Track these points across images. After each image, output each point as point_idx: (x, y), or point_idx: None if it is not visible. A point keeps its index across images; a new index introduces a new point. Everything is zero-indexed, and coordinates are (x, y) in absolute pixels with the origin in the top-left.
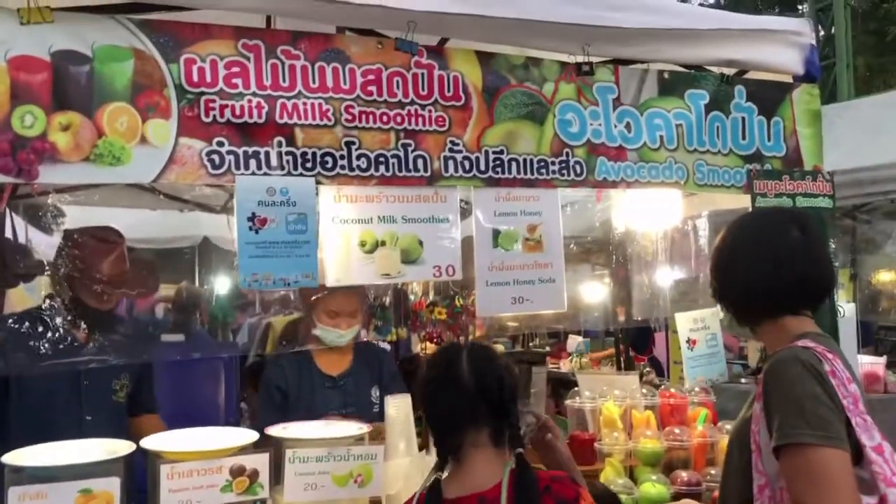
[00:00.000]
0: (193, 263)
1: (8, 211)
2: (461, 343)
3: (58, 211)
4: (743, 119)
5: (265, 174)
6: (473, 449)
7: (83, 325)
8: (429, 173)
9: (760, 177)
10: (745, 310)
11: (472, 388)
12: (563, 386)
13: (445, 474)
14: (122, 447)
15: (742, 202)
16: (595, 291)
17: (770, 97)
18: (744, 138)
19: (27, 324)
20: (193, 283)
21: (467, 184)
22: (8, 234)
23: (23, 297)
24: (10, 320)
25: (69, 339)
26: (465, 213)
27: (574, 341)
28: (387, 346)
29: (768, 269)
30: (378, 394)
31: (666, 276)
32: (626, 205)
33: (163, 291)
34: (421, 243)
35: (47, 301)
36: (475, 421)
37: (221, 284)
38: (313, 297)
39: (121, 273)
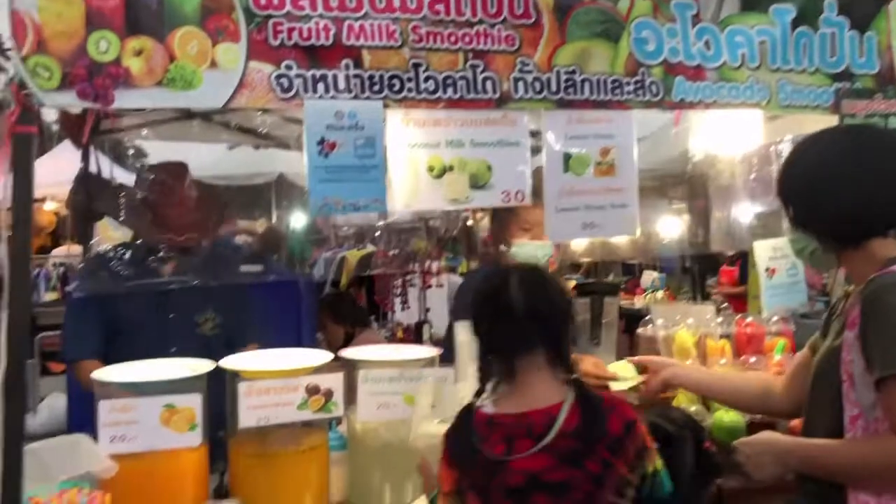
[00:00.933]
0: (270, 200)
1: (92, 148)
2: (511, 267)
3: (138, 148)
4: (832, 34)
5: (333, 98)
6: (528, 372)
7: (163, 254)
8: (497, 95)
9: (850, 96)
10: (833, 235)
11: (523, 313)
12: (636, 322)
13: (484, 398)
14: (203, 366)
15: (828, 124)
16: (671, 225)
17: (863, 10)
18: (833, 55)
19: (112, 253)
20: (270, 219)
21: (537, 106)
22: (93, 169)
23: (108, 231)
24: (98, 251)
25: (152, 265)
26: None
27: (649, 277)
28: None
29: (863, 189)
30: None
31: (746, 206)
32: (704, 129)
33: (242, 225)
34: (490, 168)
35: (130, 233)
36: (528, 346)
37: (297, 220)
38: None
39: (191, 206)
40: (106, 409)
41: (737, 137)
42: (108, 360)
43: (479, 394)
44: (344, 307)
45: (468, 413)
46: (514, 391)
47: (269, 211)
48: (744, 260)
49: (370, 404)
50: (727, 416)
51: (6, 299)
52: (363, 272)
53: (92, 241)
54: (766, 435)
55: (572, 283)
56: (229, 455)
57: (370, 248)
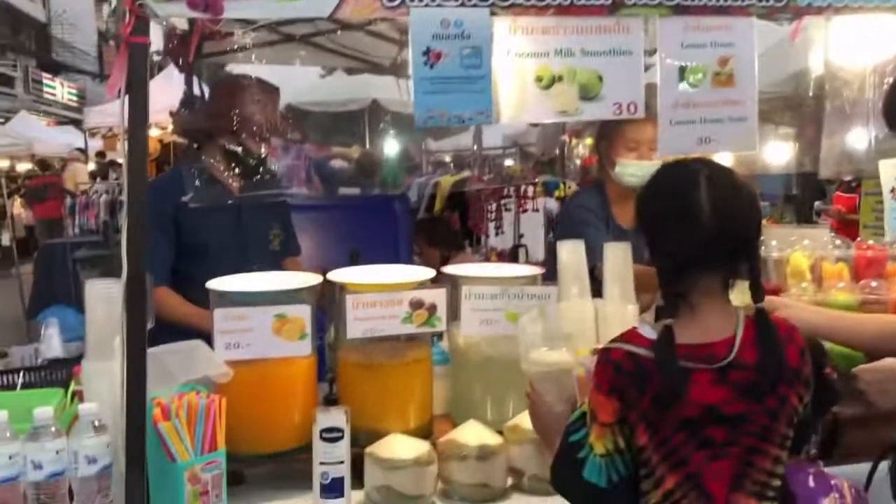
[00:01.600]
0: (363, 126)
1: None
2: (696, 163)
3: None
4: None
5: (439, 6)
6: (706, 295)
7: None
8: (610, 1)
9: None
10: None
11: (711, 224)
12: None
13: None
14: (311, 278)
15: None
16: (777, 151)
17: None
18: None
19: (185, 172)
20: (364, 145)
21: (652, 12)
22: (196, 92)
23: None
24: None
25: (249, 176)
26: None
27: None
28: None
29: None
30: None
31: (866, 128)
32: (827, 40)
33: (337, 151)
34: (601, 78)
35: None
36: (712, 263)
37: (390, 147)
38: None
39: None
40: (221, 318)
41: (864, 48)
42: (189, 280)
43: (670, 313)
44: (438, 231)
45: (669, 339)
46: (692, 316)
47: (363, 137)
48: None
49: (473, 320)
50: (842, 296)
51: (126, 210)
52: (457, 197)
53: None
54: (889, 361)
55: None
56: (338, 365)
57: (465, 173)
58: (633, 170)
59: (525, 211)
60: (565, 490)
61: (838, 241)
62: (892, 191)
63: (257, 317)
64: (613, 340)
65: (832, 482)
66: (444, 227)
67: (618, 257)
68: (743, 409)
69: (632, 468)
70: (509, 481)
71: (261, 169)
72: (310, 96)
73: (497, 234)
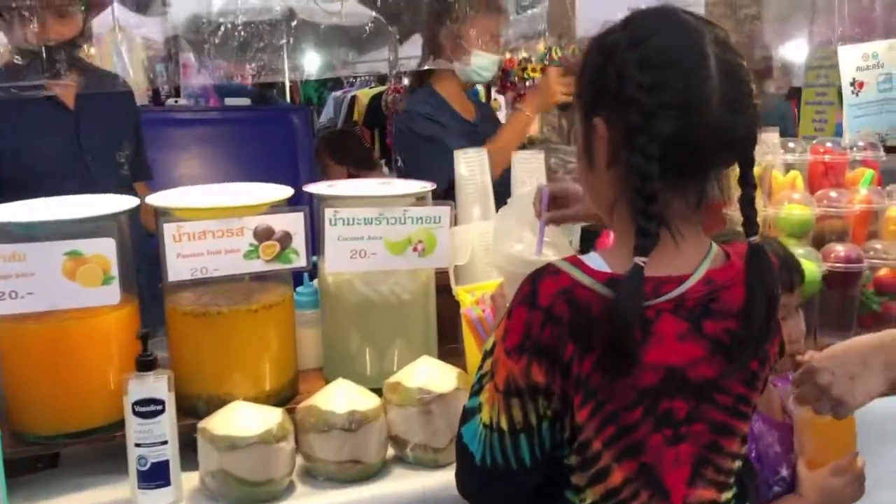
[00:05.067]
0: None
1: None
2: (693, 19)
3: None
4: None
5: None
6: (681, 219)
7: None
8: None
9: None
10: None
11: (719, 118)
12: None
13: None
14: (119, 202)
15: None
16: None
17: None
18: None
19: None
20: (283, 59)
21: None
22: None
23: None
24: None
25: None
26: None
27: None
28: None
29: None
30: None
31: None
32: None
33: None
34: None
35: None
36: (701, 172)
37: (310, 61)
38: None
39: None
40: None
41: None
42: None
43: (643, 248)
44: (346, 145)
45: (638, 280)
46: (663, 249)
47: (282, 51)
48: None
49: (341, 252)
50: (797, 210)
51: None
52: (376, 114)
53: None
54: (841, 344)
55: None
56: (166, 315)
57: (381, 87)
58: (487, 63)
59: None
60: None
61: (791, 144)
62: (853, 84)
63: (41, 255)
64: (539, 271)
65: None
66: (352, 141)
67: (473, 167)
68: (714, 374)
69: (531, 455)
70: (390, 452)
71: (62, 57)
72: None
73: None
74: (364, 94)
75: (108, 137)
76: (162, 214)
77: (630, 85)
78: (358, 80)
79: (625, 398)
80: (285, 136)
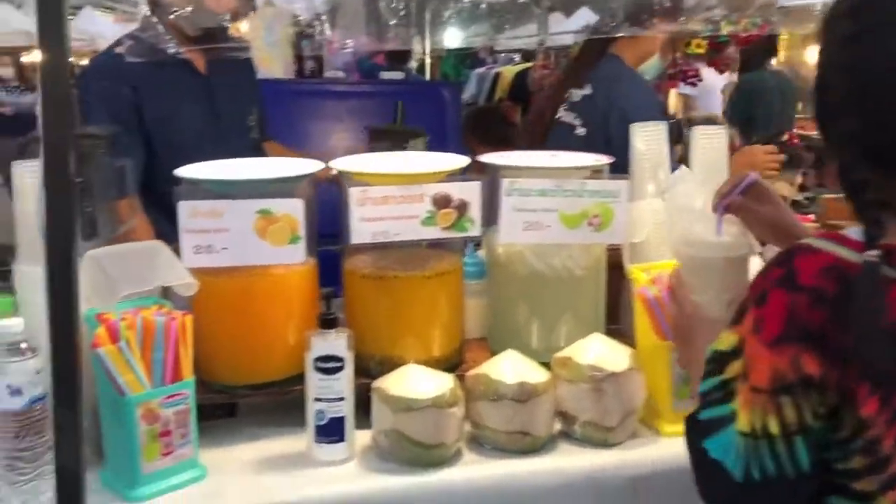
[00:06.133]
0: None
1: None
2: None
3: None
4: None
5: None
6: None
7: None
8: None
9: None
10: None
11: None
12: None
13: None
14: (307, 164)
15: None
16: None
17: None
18: None
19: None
20: (423, 36)
21: None
22: None
23: None
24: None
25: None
26: None
27: None
28: None
29: None
30: None
31: None
32: None
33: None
34: None
35: None
36: None
37: (451, 37)
38: None
39: None
40: (187, 213)
41: None
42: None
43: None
44: (491, 124)
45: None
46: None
47: (422, 28)
48: None
49: (515, 223)
50: None
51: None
52: (521, 91)
53: None
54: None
55: None
56: (344, 277)
57: (530, 63)
58: None
59: None
60: (689, 448)
61: None
62: None
63: (235, 213)
64: (789, 251)
65: None
66: (498, 119)
67: (651, 142)
68: None
69: (810, 459)
70: (557, 427)
71: (223, 34)
72: None
73: None
74: (509, 71)
75: (239, 102)
76: (345, 179)
77: None
78: (501, 56)
79: None
80: (436, 111)
